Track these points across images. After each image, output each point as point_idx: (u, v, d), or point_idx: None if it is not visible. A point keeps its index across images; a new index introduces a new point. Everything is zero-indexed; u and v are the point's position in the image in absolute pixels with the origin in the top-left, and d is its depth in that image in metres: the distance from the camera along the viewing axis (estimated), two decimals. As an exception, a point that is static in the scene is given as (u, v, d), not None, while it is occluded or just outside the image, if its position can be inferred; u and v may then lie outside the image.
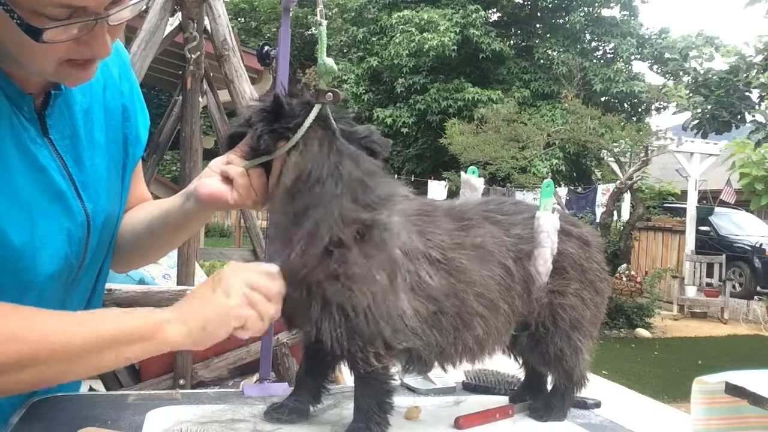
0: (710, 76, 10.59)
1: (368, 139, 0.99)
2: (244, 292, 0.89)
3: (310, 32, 23.23)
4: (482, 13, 18.21)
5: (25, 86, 0.92)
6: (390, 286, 0.94)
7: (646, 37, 20.18)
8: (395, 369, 1.01)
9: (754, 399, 0.85)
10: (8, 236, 0.88)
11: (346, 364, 0.99)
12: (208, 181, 0.98)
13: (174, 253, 3.50)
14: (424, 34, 17.30)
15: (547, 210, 1.08)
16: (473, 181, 1.27)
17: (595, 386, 1.21)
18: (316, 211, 0.92)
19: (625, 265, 9.82)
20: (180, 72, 3.06)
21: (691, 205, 11.09)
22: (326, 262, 0.92)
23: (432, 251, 0.98)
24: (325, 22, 1.00)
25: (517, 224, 1.07)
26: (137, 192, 1.21)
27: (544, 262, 1.05)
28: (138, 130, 1.14)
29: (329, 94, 0.96)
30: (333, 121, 0.97)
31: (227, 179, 0.97)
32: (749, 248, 12.11)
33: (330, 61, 0.98)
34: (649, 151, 9.37)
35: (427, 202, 1.07)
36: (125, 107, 1.11)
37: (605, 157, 11.89)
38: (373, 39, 19.52)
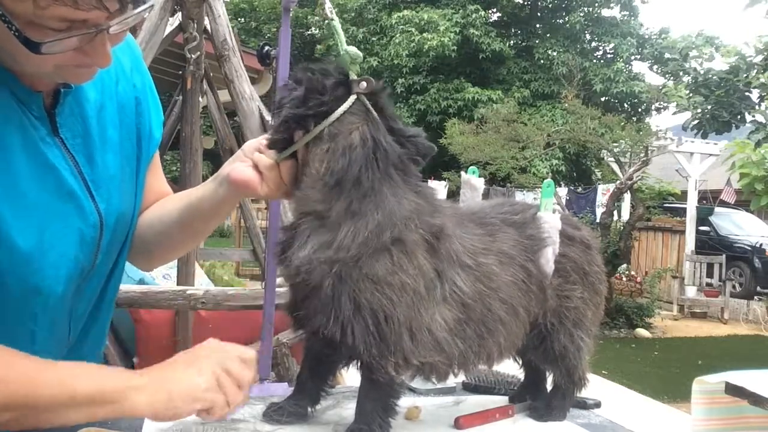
0: (710, 76, 10.59)
1: (414, 139, 0.94)
2: (216, 375, 0.88)
3: (310, 32, 23.23)
4: (482, 13, 18.21)
5: (33, 84, 0.89)
6: (426, 297, 0.92)
7: (646, 37, 20.17)
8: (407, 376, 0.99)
9: (754, 399, 0.85)
10: (15, 242, 0.86)
11: (358, 367, 0.96)
12: (241, 167, 0.96)
13: (174, 253, 3.51)
14: (424, 34, 17.30)
15: (547, 210, 1.08)
16: (473, 181, 1.27)
17: (595, 386, 1.21)
18: (381, 206, 0.88)
19: (625, 265, 9.81)
20: (180, 72, 3.06)
21: (691, 205, 11.08)
22: (378, 259, 0.88)
23: (464, 256, 0.96)
24: (336, 18, 0.97)
25: (529, 223, 1.07)
26: (157, 187, 1.18)
27: (546, 262, 1.05)
28: (151, 124, 1.11)
29: (362, 83, 0.91)
30: (373, 111, 0.92)
31: (258, 168, 0.95)
32: (749, 248, 12.11)
33: (353, 49, 0.92)
34: (649, 151, 9.37)
35: (453, 206, 1.06)
36: (138, 100, 1.08)
37: (605, 157, 11.88)
38: (373, 39, 19.51)
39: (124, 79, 1.06)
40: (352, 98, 0.90)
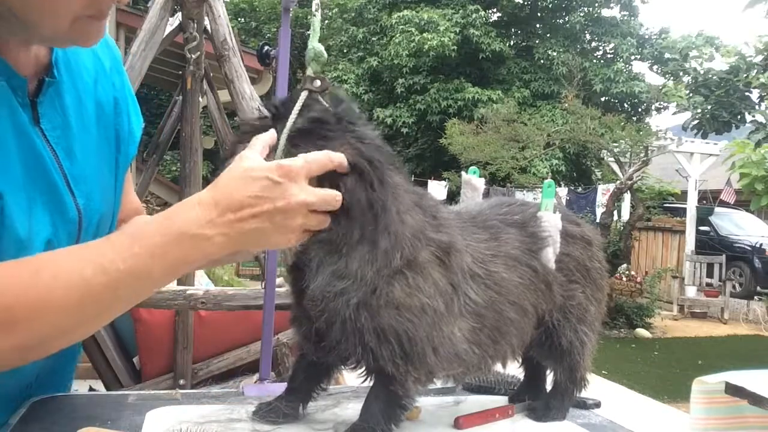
0: (710, 76, 10.58)
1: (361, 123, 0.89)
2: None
3: (309, 32, 23.21)
4: (482, 13, 18.21)
5: (18, 69, 0.86)
6: (446, 313, 0.92)
7: (646, 37, 20.17)
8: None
9: (754, 399, 0.85)
10: (13, 220, 0.84)
11: (372, 374, 0.96)
12: None
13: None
14: (424, 34, 17.29)
15: (548, 210, 1.08)
16: (474, 181, 1.27)
17: (595, 386, 1.21)
18: (389, 228, 0.86)
19: (625, 265, 9.82)
20: (180, 72, 3.06)
21: (691, 205, 11.09)
22: (395, 285, 0.87)
23: (474, 267, 0.96)
24: (319, 14, 0.95)
25: (529, 221, 1.08)
26: (129, 201, 1.14)
27: (547, 262, 1.05)
28: (131, 125, 1.09)
29: (316, 81, 0.88)
30: (329, 106, 0.88)
31: None
32: (749, 248, 12.12)
33: (319, 46, 0.91)
34: (649, 151, 9.38)
35: (455, 213, 1.05)
36: (117, 100, 1.06)
37: (605, 157, 11.89)
38: (373, 39, 19.50)
39: (104, 78, 1.04)
40: (305, 94, 0.87)
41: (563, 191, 12.69)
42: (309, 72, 0.90)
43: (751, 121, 10.27)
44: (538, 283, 1.04)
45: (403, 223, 0.88)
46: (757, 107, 10.27)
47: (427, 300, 0.89)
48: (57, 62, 0.93)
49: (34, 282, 0.73)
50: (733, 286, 11.16)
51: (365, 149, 0.85)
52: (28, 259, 0.77)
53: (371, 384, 0.96)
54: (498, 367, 1.08)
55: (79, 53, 1.00)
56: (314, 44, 0.91)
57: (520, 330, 1.02)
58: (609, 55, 20.03)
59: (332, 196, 0.80)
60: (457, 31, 17.58)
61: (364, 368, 0.95)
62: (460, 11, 18.16)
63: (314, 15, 0.94)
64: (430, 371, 0.93)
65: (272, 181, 0.77)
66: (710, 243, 12.20)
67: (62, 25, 0.79)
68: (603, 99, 18.32)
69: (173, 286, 3.08)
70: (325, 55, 0.92)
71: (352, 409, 1.12)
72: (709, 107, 10.46)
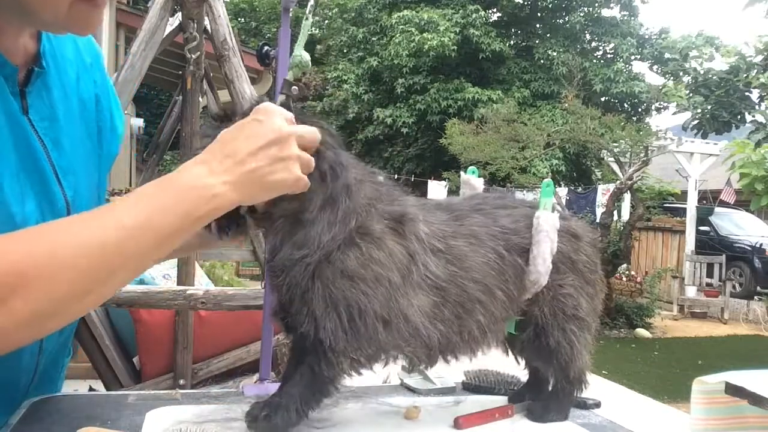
0: (710, 76, 10.60)
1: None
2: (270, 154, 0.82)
3: (309, 33, 23.23)
4: (482, 13, 18.21)
5: (8, 58, 0.86)
6: (402, 284, 0.92)
7: (646, 37, 20.17)
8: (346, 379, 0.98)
9: (754, 399, 0.85)
10: (9, 204, 0.84)
11: (311, 359, 0.94)
12: None
13: (174, 253, 3.50)
14: (424, 34, 17.30)
15: (546, 209, 1.08)
16: (473, 181, 1.27)
17: (595, 386, 1.21)
18: (344, 186, 0.90)
19: (625, 265, 9.83)
20: (180, 72, 3.06)
21: (691, 205, 11.09)
22: (349, 254, 0.89)
23: (433, 240, 0.97)
24: (311, 18, 0.97)
25: (504, 216, 1.07)
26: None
27: (543, 261, 1.05)
28: (114, 122, 1.09)
29: (294, 87, 0.93)
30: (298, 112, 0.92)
31: None
32: (749, 248, 12.13)
33: (306, 55, 0.96)
34: (649, 151, 9.39)
35: (416, 197, 1.07)
36: (98, 97, 1.06)
37: (605, 157, 11.89)
38: (373, 39, 19.51)
39: (85, 74, 1.04)
40: (282, 98, 0.93)
41: (563, 191, 12.69)
42: (290, 77, 0.94)
43: (751, 121, 10.29)
44: (505, 266, 1.03)
45: (358, 189, 0.92)
46: (757, 107, 10.29)
47: (381, 271, 0.90)
48: (44, 53, 0.93)
49: (44, 247, 0.72)
50: (733, 286, 11.17)
51: (323, 131, 0.91)
52: (33, 228, 0.76)
53: (300, 369, 0.95)
54: (469, 352, 1.05)
55: (64, 46, 1.00)
56: (301, 51, 0.95)
57: (488, 310, 1.01)
58: (609, 55, 20.02)
59: (312, 131, 0.86)
60: (457, 31, 17.58)
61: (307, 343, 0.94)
62: (460, 11, 18.16)
63: (306, 18, 0.96)
64: (379, 348, 0.93)
65: (257, 120, 0.83)
66: (710, 243, 12.20)
67: (61, 9, 0.79)
68: (603, 99, 18.32)
69: (173, 286, 3.08)
70: (310, 64, 0.97)
71: (350, 409, 1.12)
72: (709, 107, 10.47)
